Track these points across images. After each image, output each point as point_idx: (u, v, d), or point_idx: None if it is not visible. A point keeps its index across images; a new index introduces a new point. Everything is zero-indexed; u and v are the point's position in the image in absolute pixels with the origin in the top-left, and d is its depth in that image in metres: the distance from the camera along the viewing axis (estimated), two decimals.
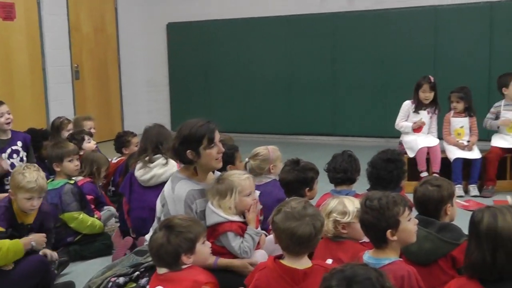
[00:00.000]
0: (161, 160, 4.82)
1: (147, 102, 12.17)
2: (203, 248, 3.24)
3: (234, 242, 3.64)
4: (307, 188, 4.25)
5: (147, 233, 4.10)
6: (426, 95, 7.22)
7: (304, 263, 2.93)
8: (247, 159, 4.85)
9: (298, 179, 4.29)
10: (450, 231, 3.38)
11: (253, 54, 11.06)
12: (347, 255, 3.29)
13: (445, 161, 7.13)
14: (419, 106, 7.28)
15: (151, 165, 4.81)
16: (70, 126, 6.80)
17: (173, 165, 4.75)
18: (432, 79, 7.23)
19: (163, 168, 4.79)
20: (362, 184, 4.48)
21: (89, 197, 5.34)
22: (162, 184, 4.12)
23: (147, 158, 4.82)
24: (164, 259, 3.09)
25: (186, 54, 11.68)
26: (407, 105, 7.36)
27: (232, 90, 11.31)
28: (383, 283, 2.20)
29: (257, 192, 3.93)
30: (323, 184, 4.62)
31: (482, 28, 9.47)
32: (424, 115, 7.28)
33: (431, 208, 3.44)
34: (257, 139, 9.65)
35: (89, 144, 6.30)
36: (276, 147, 4.88)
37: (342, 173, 4.40)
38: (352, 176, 4.43)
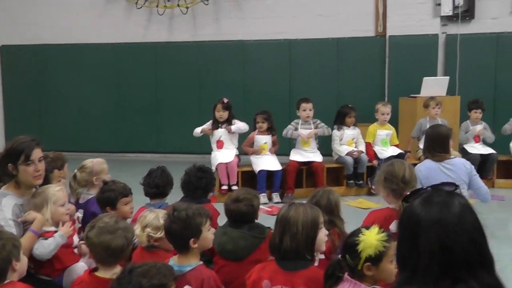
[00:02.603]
0: None
1: None
2: (24, 257, 3.04)
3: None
4: (109, 207, 4.04)
5: None
6: (220, 113, 7.45)
7: (117, 272, 2.83)
8: (75, 171, 4.68)
9: (98, 199, 4.14)
10: (257, 228, 3.57)
11: (83, 78, 10.69)
12: None
13: (251, 172, 7.37)
14: (215, 124, 7.50)
15: None
16: None
17: None
18: (226, 100, 7.48)
19: None
20: (178, 196, 4.43)
21: None
22: None
23: None
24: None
25: (20, 76, 11.01)
26: (207, 125, 7.57)
27: (65, 112, 10.82)
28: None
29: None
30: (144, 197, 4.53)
31: (283, 61, 9.95)
32: (223, 132, 7.50)
33: (247, 218, 3.58)
34: (88, 157, 9.34)
35: None
36: (102, 160, 4.73)
37: (155, 188, 4.35)
38: (164, 190, 4.39)
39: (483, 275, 1.79)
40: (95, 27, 10.58)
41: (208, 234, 3.00)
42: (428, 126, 7.67)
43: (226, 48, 10.12)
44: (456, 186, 2.06)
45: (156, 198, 4.37)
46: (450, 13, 9.34)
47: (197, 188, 4.28)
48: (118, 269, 2.89)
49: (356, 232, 2.71)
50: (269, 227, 3.38)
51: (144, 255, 3.31)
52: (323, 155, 7.71)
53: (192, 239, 2.90)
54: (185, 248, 2.92)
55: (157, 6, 10.22)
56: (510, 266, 4.54)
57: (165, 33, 10.42)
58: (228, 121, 7.50)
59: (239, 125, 7.51)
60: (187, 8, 10.12)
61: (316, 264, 3.41)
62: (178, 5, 10.11)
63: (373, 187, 7.51)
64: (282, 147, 7.78)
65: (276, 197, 7.26)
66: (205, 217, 2.98)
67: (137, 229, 3.39)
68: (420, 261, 1.81)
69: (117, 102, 10.65)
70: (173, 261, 2.94)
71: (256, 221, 3.68)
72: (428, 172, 4.79)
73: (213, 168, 7.22)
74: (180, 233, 2.90)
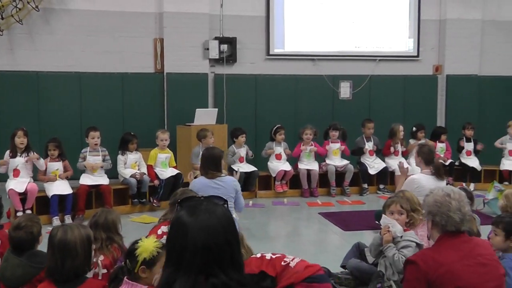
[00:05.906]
0: None
1: None
2: None
3: None
4: None
5: None
6: (21, 140, 7.37)
7: None
8: None
9: None
10: (39, 256, 3.53)
11: None
12: None
13: (45, 197, 7.40)
14: (14, 152, 7.38)
15: None
16: None
17: None
18: (25, 128, 7.49)
19: None
20: None
21: None
22: None
23: None
24: None
25: None
26: (5, 157, 7.39)
27: None
28: None
29: None
30: None
31: (74, 93, 9.93)
32: (20, 161, 7.38)
33: (27, 246, 3.61)
34: None
35: None
36: None
37: None
38: None
39: (232, 273, 2.00)
40: None
41: None
42: (201, 152, 8.50)
43: (21, 79, 9.80)
44: (225, 201, 2.23)
45: None
46: (217, 57, 10.36)
47: None
48: None
49: (137, 240, 2.95)
50: None
51: None
52: (109, 178, 8.05)
53: None
54: None
55: None
56: None
57: None
58: (27, 149, 7.44)
59: (41, 162, 7.47)
60: None
61: (100, 277, 3.76)
62: None
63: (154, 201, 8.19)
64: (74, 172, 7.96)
65: (68, 219, 7.30)
66: None
67: None
68: (185, 258, 1.97)
69: None
70: None
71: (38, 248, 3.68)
72: (200, 187, 5.35)
73: (7, 195, 7.14)
74: None
